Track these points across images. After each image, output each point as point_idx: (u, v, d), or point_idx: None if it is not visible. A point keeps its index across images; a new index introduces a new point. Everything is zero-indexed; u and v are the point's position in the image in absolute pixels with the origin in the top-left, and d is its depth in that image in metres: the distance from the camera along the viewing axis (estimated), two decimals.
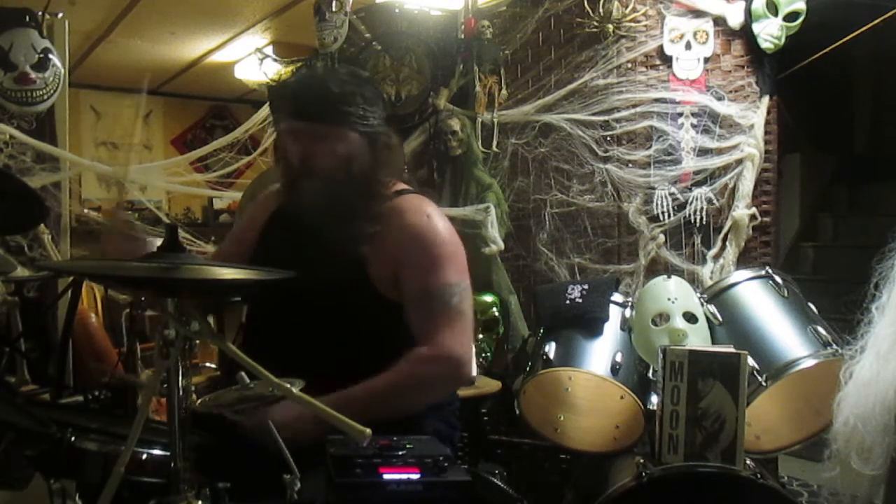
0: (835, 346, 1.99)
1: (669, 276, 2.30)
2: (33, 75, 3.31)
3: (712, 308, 2.20)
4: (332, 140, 1.68)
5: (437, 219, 1.74)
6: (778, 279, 2.22)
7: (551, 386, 2.24)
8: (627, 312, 2.31)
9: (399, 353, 1.64)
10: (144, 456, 1.38)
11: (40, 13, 3.37)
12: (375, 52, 3.32)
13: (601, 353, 2.23)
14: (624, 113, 2.94)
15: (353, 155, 1.69)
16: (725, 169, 2.89)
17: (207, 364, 3.49)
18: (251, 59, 4.87)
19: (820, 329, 2.06)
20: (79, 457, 1.35)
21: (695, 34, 2.91)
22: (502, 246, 3.04)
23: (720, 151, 2.89)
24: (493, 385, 2.75)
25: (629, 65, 2.96)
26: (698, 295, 2.26)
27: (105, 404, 2.59)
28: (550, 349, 2.23)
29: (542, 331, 2.41)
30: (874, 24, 3.01)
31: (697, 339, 2.09)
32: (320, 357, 1.60)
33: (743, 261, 2.87)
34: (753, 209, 2.87)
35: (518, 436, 2.71)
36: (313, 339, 1.66)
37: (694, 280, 2.83)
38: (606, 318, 2.29)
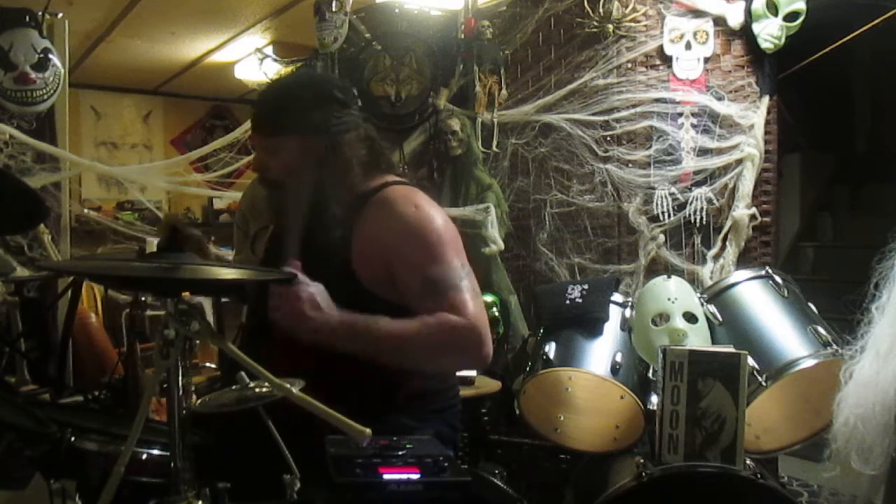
0: (835, 346, 2.00)
1: (669, 276, 2.30)
2: (33, 75, 3.31)
3: (712, 308, 2.20)
4: (273, 149, 1.69)
5: (426, 207, 1.64)
6: (778, 279, 2.22)
7: (551, 386, 2.24)
8: (627, 312, 2.31)
9: None
10: (144, 456, 1.38)
11: (40, 13, 3.37)
12: (375, 52, 3.32)
13: (601, 353, 2.23)
14: (624, 113, 2.94)
15: (296, 159, 1.66)
16: (725, 169, 2.89)
17: (207, 364, 3.49)
18: (251, 59, 4.88)
19: (820, 329, 2.06)
20: (79, 457, 1.35)
21: (695, 34, 2.91)
22: (502, 246, 3.05)
23: (720, 151, 2.89)
24: (493, 385, 2.75)
25: (629, 65, 2.96)
26: (698, 295, 2.26)
27: (105, 404, 2.59)
28: (550, 349, 2.23)
29: (542, 331, 2.41)
30: (874, 24, 3.01)
31: (697, 339, 2.09)
32: (315, 360, 1.59)
33: (743, 261, 2.87)
34: (753, 209, 2.87)
35: (518, 436, 2.71)
36: (307, 343, 1.65)
37: (694, 280, 2.83)
38: (606, 318, 2.29)
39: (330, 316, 1.50)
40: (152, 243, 4.02)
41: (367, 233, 1.64)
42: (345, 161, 1.68)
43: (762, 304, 2.18)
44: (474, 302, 1.57)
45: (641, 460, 1.90)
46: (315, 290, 1.50)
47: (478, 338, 1.55)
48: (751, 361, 1.94)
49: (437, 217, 1.65)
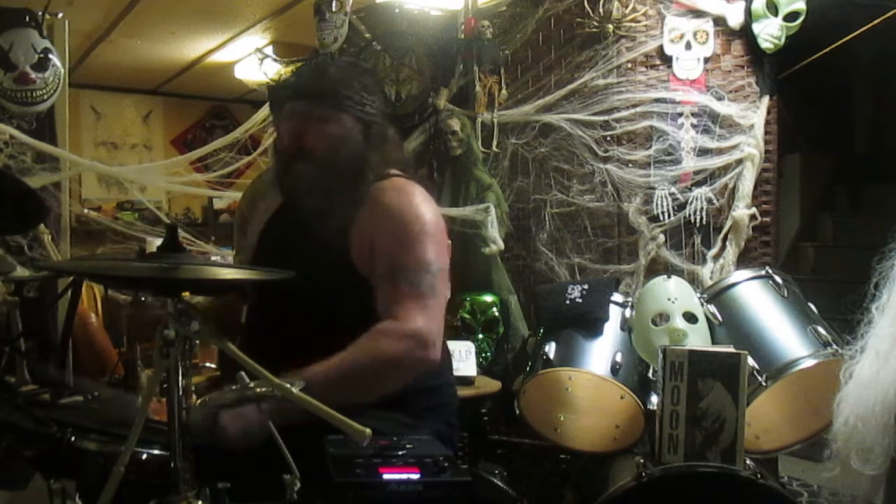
0: (835, 346, 2.00)
1: (669, 276, 2.30)
2: (33, 75, 3.31)
3: (712, 308, 2.20)
4: (326, 120, 1.69)
5: (417, 198, 1.68)
6: (778, 279, 2.22)
7: (551, 386, 2.24)
8: (627, 312, 2.31)
9: None
10: (144, 456, 1.38)
11: (40, 13, 3.36)
12: (375, 52, 3.32)
13: (601, 353, 2.23)
14: (624, 113, 2.94)
15: (346, 137, 1.68)
16: (725, 169, 2.89)
17: (207, 364, 3.49)
18: (251, 59, 4.87)
19: (820, 329, 2.06)
20: (79, 457, 1.35)
21: (695, 34, 2.91)
22: (502, 246, 3.04)
23: (720, 151, 2.89)
24: (493, 385, 2.75)
25: (629, 65, 2.96)
26: (698, 295, 2.26)
27: (105, 404, 2.58)
28: (550, 349, 2.23)
29: (542, 331, 2.41)
30: (874, 24, 3.01)
31: (697, 339, 2.09)
32: (310, 345, 1.59)
33: (743, 261, 2.87)
34: (753, 209, 2.87)
35: (518, 436, 2.71)
36: (303, 327, 1.64)
37: (694, 280, 2.83)
38: (606, 318, 2.29)
39: (253, 411, 1.44)
40: (152, 243, 4.02)
41: (363, 221, 1.67)
42: (374, 150, 1.71)
43: (762, 304, 2.18)
44: (428, 301, 1.58)
45: (641, 460, 1.90)
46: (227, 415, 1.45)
47: (417, 344, 1.55)
48: (751, 361, 1.94)
49: (426, 211, 1.67)
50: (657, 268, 2.89)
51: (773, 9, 2.84)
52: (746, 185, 2.87)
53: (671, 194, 2.90)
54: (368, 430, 1.12)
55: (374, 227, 1.65)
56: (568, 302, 2.36)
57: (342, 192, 1.67)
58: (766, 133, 2.90)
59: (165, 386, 1.17)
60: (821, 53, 3.15)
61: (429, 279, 1.60)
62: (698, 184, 2.90)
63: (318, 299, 1.64)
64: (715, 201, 2.90)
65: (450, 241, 2.85)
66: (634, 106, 2.93)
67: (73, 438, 1.35)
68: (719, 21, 2.93)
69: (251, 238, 1.89)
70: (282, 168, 1.76)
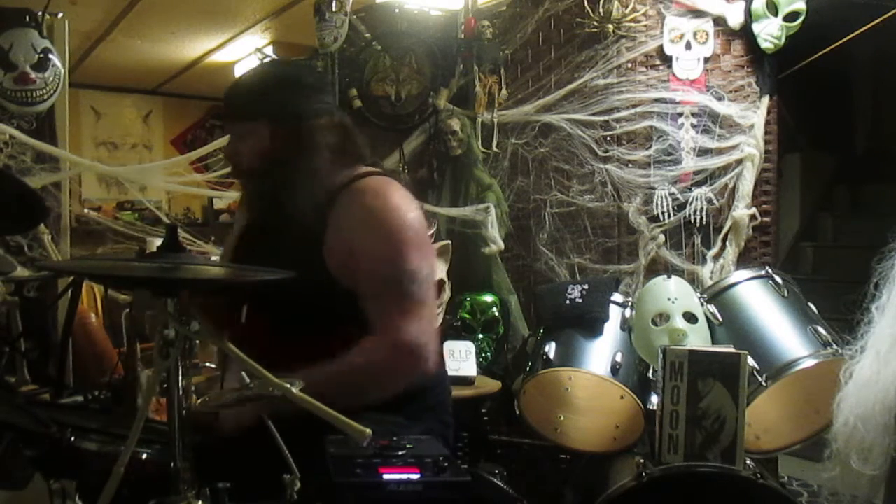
0: (835, 346, 2.00)
1: (669, 276, 2.30)
2: (33, 75, 3.31)
3: (712, 308, 2.20)
4: (248, 136, 1.65)
5: (395, 199, 1.62)
6: (778, 279, 2.22)
7: (551, 386, 2.24)
8: (627, 312, 2.31)
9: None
10: (144, 456, 1.38)
11: (40, 13, 3.36)
12: (375, 52, 3.32)
13: (601, 353, 2.23)
14: (624, 113, 2.94)
15: (272, 148, 1.63)
16: (725, 169, 2.89)
17: (207, 364, 3.49)
18: (251, 59, 4.88)
19: (820, 329, 2.07)
20: (79, 457, 1.35)
21: (695, 34, 2.91)
22: (502, 246, 3.05)
23: (720, 151, 2.89)
24: (493, 385, 2.75)
25: (629, 65, 2.96)
26: (698, 295, 2.26)
27: (105, 404, 2.59)
28: (550, 349, 2.23)
29: (542, 331, 2.41)
30: (874, 24, 3.01)
31: (697, 339, 2.09)
32: (287, 352, 1.57)
33: (743, 261, 2.87)
34: (753, 209, 2.87)
35: (518, 436, 2.71)
36: (279, 335, 1.63)
37: (694, 280, 2.83)
38: (606, 318, 2.29)
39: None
40: (152, 243, 4.01)
41: (338, 222, 1.63)
42: (315, 146, 1.65)
43: (762, 304, 2.19)
44: (417, 311, 1.57)
45: (641, 460, 1.90)
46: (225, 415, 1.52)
47: (409, 356, 1.55)
48: (751, 361, 1.94)
49: (405, 214, 1.62)
50: (657, 268, 2.89)
51: (773, 9, 2.84)
52: (746, 185, 2.87)
53: (671, 194, 2.90)
54: (368, 431, 1.12)
55: (355, 237, 1.59)
56: (568, 302, 2.36)
57: (298, 200, 1.63)
58: (766, 133, 2.90)
59: (165, 386, 1.17)
60: (821, 53, 3.15)
61: (415, 288, 1.57)
62: (698, 184, 2.90)
63: (292, 305, 1.60)
64: (715, 201, 2.90)
65: (449, 241, 2.87)
66: (634, 106, 2.93)
67: (73, 438, 1.35)
68: (719, 21, 2.93)
69: (227, 253, 1.88)
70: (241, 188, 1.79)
